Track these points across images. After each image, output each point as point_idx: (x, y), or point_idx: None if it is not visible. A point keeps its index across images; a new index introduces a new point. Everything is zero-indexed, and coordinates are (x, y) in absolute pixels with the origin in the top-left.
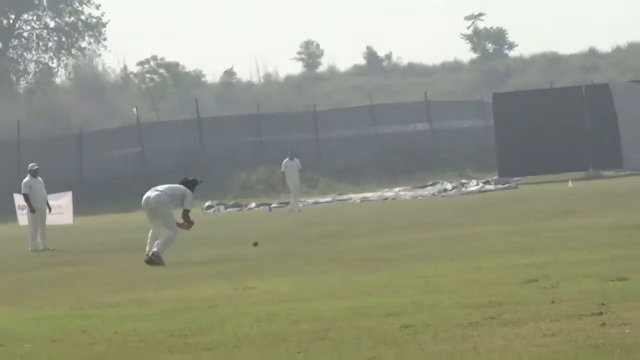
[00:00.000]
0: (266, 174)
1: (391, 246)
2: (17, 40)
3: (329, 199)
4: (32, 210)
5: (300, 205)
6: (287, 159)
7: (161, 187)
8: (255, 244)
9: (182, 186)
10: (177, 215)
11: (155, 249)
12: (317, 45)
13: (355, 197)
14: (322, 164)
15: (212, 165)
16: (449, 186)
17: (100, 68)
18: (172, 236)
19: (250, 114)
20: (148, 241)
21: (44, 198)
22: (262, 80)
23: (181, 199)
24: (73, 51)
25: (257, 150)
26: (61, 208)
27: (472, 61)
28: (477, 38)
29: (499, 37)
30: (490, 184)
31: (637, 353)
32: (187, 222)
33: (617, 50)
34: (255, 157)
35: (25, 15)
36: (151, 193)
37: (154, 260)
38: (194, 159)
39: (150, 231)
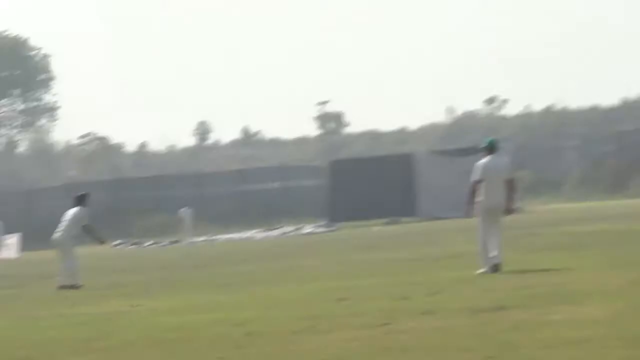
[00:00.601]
0: (162, 220)
1: (243, 273)
2: None
3: (203, 238)
4: None
5: (181, 243)
6: (185, 208)
7: (62, 226)
8: None
9: (76, 210)
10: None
11: (68, 283)
12: (207, 125)
13: (222, 237)
14: (203, 212)
15: (123, 213)
16: (289, 229)
17: (51, 140)
18: (76, 265)
19: (154, 176)
20: (60, 271)
21: None
22: (165, 149)
23: (79, 221)
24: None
25: (157, 202)
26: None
27: (318, 136)
28: (323, 119)
29: (338, 118)
30: (320, 228)
31: (412, 352)
32: (95, 237)
33: (422, 128)
34: (154, 207)
35: (2, 101)
36: (56, 235)
37: (70, 288)
38: (112, 209)
39: (61, 263)
